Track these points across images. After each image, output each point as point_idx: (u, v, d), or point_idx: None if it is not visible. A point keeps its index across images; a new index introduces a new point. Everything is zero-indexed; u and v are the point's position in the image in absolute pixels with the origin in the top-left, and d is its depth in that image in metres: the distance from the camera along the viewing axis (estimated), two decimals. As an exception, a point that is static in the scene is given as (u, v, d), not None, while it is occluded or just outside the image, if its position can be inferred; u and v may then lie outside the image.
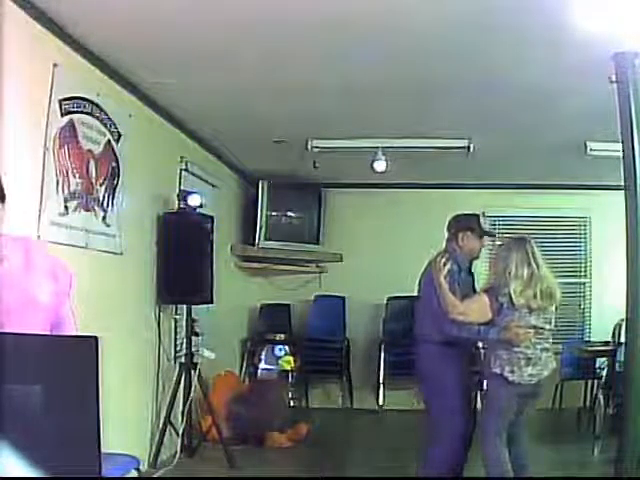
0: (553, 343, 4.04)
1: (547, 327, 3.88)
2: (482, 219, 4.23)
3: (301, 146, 6.23)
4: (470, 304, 3.95)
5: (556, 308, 3.98)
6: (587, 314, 8.32)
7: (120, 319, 4.55)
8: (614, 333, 6.73)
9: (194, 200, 5.47)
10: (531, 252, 3.86)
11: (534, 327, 3.82)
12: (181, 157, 5.86)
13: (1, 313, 2.14)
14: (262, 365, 7.69)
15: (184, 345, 5.61)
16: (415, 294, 4.35)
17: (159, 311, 5.39)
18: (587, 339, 7.97)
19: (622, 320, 4.72)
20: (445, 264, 3.97)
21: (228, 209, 7.42)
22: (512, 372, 3.82)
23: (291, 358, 7.66)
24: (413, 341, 4.22)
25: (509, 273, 3.82)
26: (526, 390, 3.86)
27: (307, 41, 3.90)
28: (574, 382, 7.24)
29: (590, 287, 8.33)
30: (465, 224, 4.15)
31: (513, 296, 3.80)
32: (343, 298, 8.21)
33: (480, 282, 4.40)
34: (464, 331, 3.92)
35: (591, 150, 5.97)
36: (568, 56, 3.93)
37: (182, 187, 5.75)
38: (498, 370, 3.85)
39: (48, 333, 2.29)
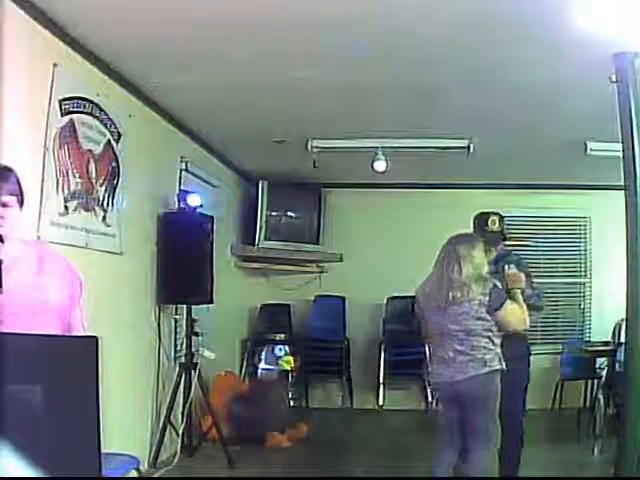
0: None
1: (455, 328, 3.62)
2: (493, 220, 4.10)
3: (301, 146, 6.23)
4: None
5: (493, 309, 3.60)
6: (587, 314, 8.31)
7: (120, 319, 4.55)
8: (614, 333, 6.74)
9: (194, 200, 5.47)
10: (462, 254, 3.67)
11: (440, 328, 3.73)
12: (181, 157, 5.86)
13: (14, 314, 2.16)
14: (262, 365, 7.68)
15: (184, 345, 5.61)
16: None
17: (159, 311, 5.39)
18: (587, 339, 7.94)
19: (622, 320, 4.72)
20: None
21: (228, 209, 7.42)
22: (429, 373, 3.94)
23: (291, 358, 7.65)
24: None
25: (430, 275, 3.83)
26: (445, 391, 3.78)
27: (307, 41, 3.90)
28: (574, 382, 7.25)
29: (590, 287, 8.33)
30: (474, 222, 4.13)
31: (417, 296, 3.87)
32: (343, 298, 8.20)
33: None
34: None
35: (591, 150, 5.97)
36: (568, 56, 3.93)
37: (182, 187, 5.76)
38: None
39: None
